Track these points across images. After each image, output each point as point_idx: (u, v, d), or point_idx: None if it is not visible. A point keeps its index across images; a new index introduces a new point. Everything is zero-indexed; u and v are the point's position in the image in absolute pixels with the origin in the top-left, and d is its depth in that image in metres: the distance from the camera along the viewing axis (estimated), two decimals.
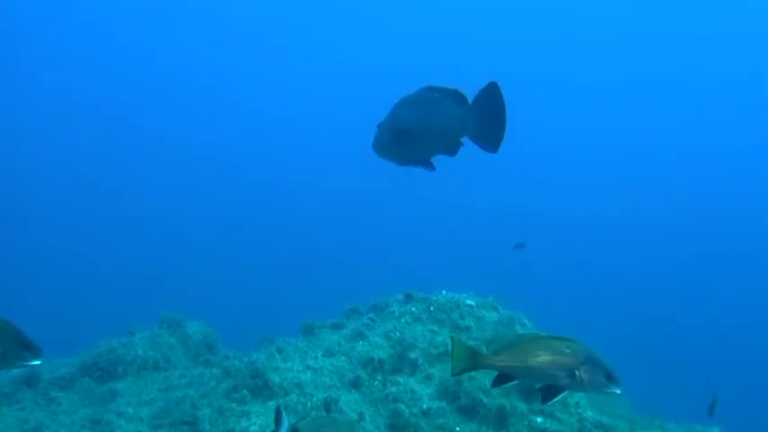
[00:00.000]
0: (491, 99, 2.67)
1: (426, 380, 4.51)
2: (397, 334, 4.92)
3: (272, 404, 4.02)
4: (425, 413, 4.16)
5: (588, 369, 2.44)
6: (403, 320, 5.28)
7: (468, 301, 5.58)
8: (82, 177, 24.60)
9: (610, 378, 2.46)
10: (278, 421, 2.31)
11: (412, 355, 4.65)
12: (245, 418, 3.84)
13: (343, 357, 4.69)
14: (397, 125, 2.80)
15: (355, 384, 4.40)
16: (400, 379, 4.48)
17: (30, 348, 2.06)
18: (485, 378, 4.43)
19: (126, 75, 29.98)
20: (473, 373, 4.53)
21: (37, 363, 2.08)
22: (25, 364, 2.07)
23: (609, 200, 26.31)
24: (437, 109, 2.75)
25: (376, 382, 4.47)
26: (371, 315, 5.44)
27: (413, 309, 5.43)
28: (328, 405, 4.07)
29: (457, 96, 2.76)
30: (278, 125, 30.44)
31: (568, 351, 2.45)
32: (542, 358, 2.44)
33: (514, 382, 2.61)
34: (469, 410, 4.19)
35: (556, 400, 2.52)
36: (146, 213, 23.11)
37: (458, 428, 4.05)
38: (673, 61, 30.42)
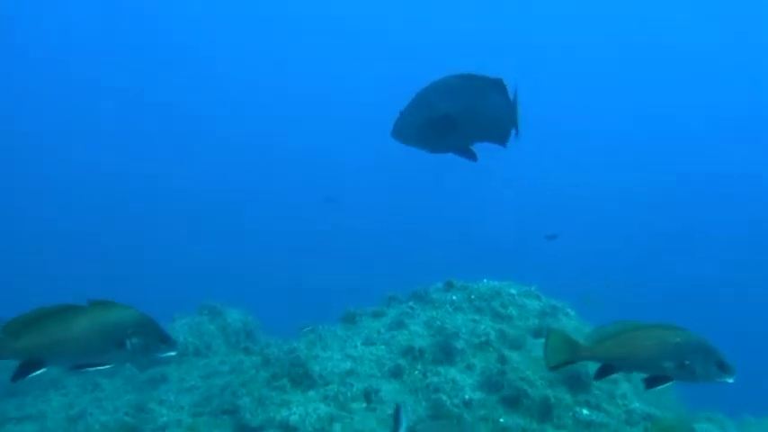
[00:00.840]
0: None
1: (468, 369, 4.43)
2: (438, 323, 4.85)
3: (311, 393, 3.98)
4: (467, 404, 4.08)
5: (699, 358, 2.34)
6: (443, 309, 5.20)
7: (510, 290, 5.48)
8: (130, 172, 24.95)
9: (722, 367, 2.35)
10: (397, 421, 2.24)
11: (453, 345, 4.57)
12: (286, 407, 3.80)
13: (382, 346, 4.63)
14: (435, 112, 2.71)
15: (395, 374, 4.33)
16: (441, 369, 4.40)
17: (167, 341, 2.14)
18: (528, 368, 4.35)
19: (168, 59, 30.28)
20: (515, 364, 4.45)
21: (173, 354, 2.15)
22: (163, 355, 2.14)
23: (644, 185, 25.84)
24: (482, 97, 2.69)
25: (416, 372, 4.40)
26: (411, 303, 5.37)
27: (453, 297, 5.35)
28: (369, 395, 4.02)
29: (499, 85, 2.70)
30: (319, 113, 30.47)
31: (678, 340, 2.35)
32: (650, 347, 2.35)
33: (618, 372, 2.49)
34: (513, 401, 4.09)
35: (660, 388, 2.42)
36: (189, 203, 23.35)
37: (501, 420, 3.95)
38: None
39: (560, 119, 26.58)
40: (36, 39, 28.59)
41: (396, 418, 2.29)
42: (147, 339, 2.10)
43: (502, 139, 2.77)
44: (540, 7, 31.27)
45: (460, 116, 2.69)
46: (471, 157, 2.82)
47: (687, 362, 2.31)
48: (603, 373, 2.50)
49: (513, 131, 2.74)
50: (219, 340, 5.76)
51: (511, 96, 2.71)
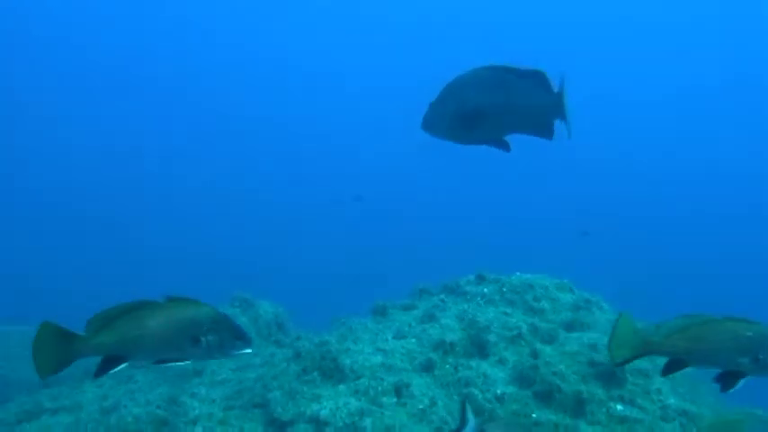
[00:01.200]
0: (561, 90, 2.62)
1: (500, 364, 4.39)
2: (470, 316, 4.81)
3: (342, 387, 3.97)
4: (500, 398, 4.04)
5: None
6: (475, 302, 5.17)
7: (544, 283, 5.42)
8: (156, 166, 25.22)
9: None
10: (463, 419, 2.22)
11: (485, 338, 4.53)
12: (316, 401, 3.79)
13: (413, 340, 4.60)
14: (468, 105, 2.66)
15: (426, 368, 4.31)
16: (473, 363, 4.37)
17: (242, 338, 2.18)
18: (561, 363, 4.29)
19: (185, 61, 30.46)
20: (548, 358, 4.39)
21: (248, 351, 2.18)
22: (238, 353, 2.18)
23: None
24: (515, 89, 2.64)
25: (447, 366, 4.37)
26: (442, 296, 5.35)
27: (485, 290, 5.31)
28: (399, 390, 3.99)
29: (537, 77, 2.64)
30: (350, 102, 30.48)
31: (750, 333, 2.26)
32: (722, 341, 2.27)
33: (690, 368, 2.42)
34: (545, 396, 4.05)
35: (737, 387, 2.34)
36: (219, 195, 23.56)
37: (534, 415, 3.91)
38: None
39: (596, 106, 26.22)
40: (36, 38, 28.91)
41: (462, 415, 2.25)
42: (222, 336, 2.13)
43: (542, 132, 2.72)
44: None
45: (492, 109, 2.64)
46: (505, 147, 2.78)
47: (761, 356, 2.24)
48: (672, 368, 2.42)
49: (555, 125, 2.68)
50: (251, 332, 5.77)
51: (555, 89, 2.64)
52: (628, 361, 2.44)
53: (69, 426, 4.01)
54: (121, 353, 2.11)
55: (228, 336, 2.16)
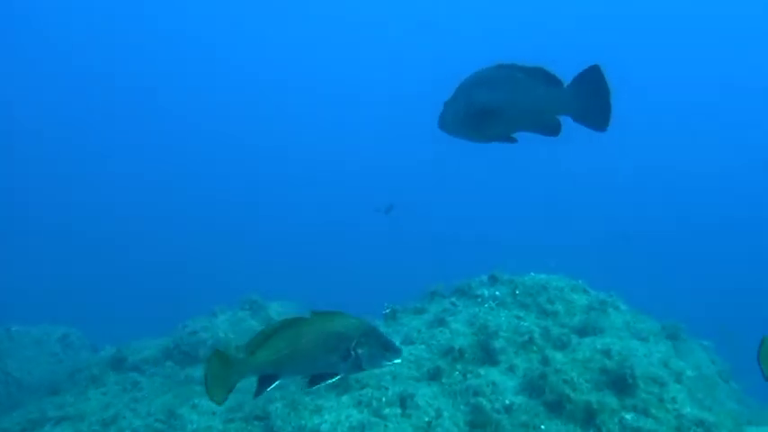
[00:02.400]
0: (595, 80, 2.56)
1: (510, 371, 4.26)
2: (481, 320, 4.68)
3: (345, 398, 3.88)
4: (508, 409, 3.92)
5: None
6: (486, 305, 5.02)
7: (558, 284, 5.27)
8: (169, 172, 25.28)
9: None
10: None
11: (495, 345, 4.41)
12: (317, 414, 3.71)
13: (422, 346, 4.49)
14: (476, 104, 2.65)
15: (434, 375, 4.19)
16: (482, 370, 4.25)
17: (391, 349, 2.18)
18: (572, 371, 4.16)
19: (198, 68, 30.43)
20: (559, 366, 4.26)
21: (398, 362, 2.19)
22: (388, 363, 2.18)
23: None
24: (522, 88, 2.61)
25: (456, 373, 4.25)
26: (453, 299, 5.22)
27: (497, 292, 5.17)
28: (404, 400, 3.89)
29: (545, 75, 2.60)
30: (355, 107, 30.34)
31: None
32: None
33: None
34: (555, 406, 3.91)
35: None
36: (232, 201, 23.57)
37: (543, 427, 3.78)
38: None
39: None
40: (36, 39, 28.99)
41: None
42: (372, 348, 2.14)
43: (548, 129, 2.69)
44: None
45: (499, 109, 2.63)
46: (511, 140, 2.74)
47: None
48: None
49: (564, 121, 2.64)
50: None
51: (565, 84, 2.58)
52: None
53: None
54: (276, 371, 2.18)
55: (378, 348, 2.17)
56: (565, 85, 2.59)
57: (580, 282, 5.40)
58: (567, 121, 2.68)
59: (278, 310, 6.08)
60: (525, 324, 4.71)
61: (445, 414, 3.85)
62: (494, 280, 5.44)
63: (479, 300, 5.15)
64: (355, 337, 2.14)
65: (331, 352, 2.14)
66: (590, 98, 2.57)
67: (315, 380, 2.21)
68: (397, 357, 2.19)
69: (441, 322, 4.81)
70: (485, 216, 22.36)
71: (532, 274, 5.52)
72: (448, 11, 31.98)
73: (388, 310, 5.36)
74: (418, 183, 23.38)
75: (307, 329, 2.16)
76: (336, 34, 33.33)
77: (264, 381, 2.19)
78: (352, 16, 33.20)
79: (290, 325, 2.17)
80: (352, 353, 2.13)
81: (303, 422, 3.64)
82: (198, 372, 4.81)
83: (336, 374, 2.19)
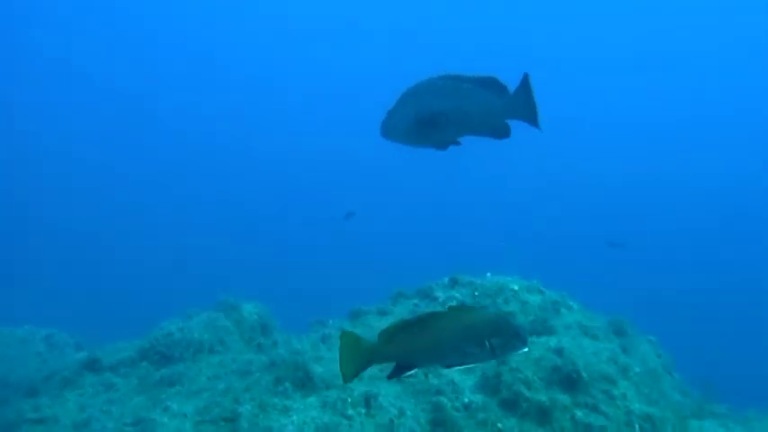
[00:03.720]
0: (527, 87, 2.55)
1: (468, 371, 4.09)
2: None
3: (312, 399, 3.68)
4: (467, 407, 3.75)
5: None
6: (447, 306, 4.86)
7: (513, 286, 5.12)
8: (150, 176, 24.78)
9: None
10: None
11: None
12: (285, 414, 3.50)
13: None
14: (425, 111, 2.60)
15: None
16: (442, 370, 4.07)
17: (520, 337, 2.14)
18: (527, 369, 4.00)
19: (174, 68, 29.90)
20: (514, 364, 4.10)
21: (525, 350, 2.16)
22: (518, 352, 2.17)
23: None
24: (467, 96, 2.58)
25: (420, 373, 4.07)
26: (416, 301, 5.06)
27: (457, 294, 5.03)
28: (368, 400, 3.70)
29: (491, 83, 2.57)
30: (318, 113, 30.07)
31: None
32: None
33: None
34: (511, 404, 3.76)
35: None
36: (207, 204, 23.17)
37: (500, 425, 3.62)
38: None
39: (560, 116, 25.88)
40: (36, 39, 28.30)
41: None
42: (505, 338, 2.12)
43: (496, 133, 2.66)
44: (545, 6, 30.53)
45: (447, 113, 2.59)
46: (455, 143, 2.71)
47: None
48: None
49: (508, 127, 2.61)
50: (235, 336, 5.48)
51: (510, 92, 2.56)
52: None
53: None
54: (412, 360, 2.13)
55: (510, 338, 2.12)
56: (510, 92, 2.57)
57: (534, 282, 5.26)
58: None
59: (251, 310, 5.85)
60: None
61: (408, 413, 3.67)
62: (454, 282, 5.29)
63: (440, 301, 4.99)
64: (490, 328, 2.12)
65: (468, 342, 2.11)
66: (526, 102, 2.57)
67: (450, 366, 2.16)
68: (525, 346, 2.16)
69: None
70: (447, 217, 22.30)
71: (489, 275, 5.38)
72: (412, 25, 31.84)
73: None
74: (388, 185, 23.24)
75: (444, 322, 2.14)
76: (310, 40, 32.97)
77: (400, 368, 2.14)
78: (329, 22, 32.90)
79: (426, 318, 2.14)
80: (487, 343, 2.10)
81: (270, 424, 3.43)
82: (173, 371, 4.58)
83: (472, 363, 2.16)
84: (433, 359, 2.17)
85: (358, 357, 2.13)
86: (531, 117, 2.59)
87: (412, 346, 2.11)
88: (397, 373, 2.16)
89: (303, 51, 32.78)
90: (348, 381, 2.14)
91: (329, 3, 32.09)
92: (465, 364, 2.15)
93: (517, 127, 2.61)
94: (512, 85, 2.57)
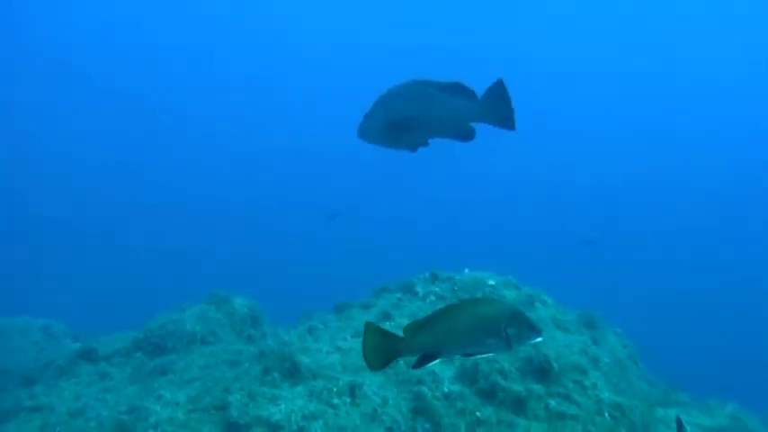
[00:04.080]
0: (500, 93, 2.65)
1: (447, 361, 4.20)
2: (422, 314, 4.60)
3: (299, 389, 3.77)
4: (447, 396, 3.85)
5: None
6: (428, 301, 4.98)
7: (490, 281, 5.23)
8: (149, 175, 24.66)
9: None
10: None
11: None
12: (274, 403, 3.59)
13: None
14: (395, 116, 2.72)
15: None
16: None
17: (534, 328, 2.19)
18: (504, 360, 4.11)
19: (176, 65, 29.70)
20: (490, 355, 4.20)
21: (539, 340, 2.20)
22: (532, 342, 2.21)
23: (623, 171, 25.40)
24: (436, 101, 2.69)
25: (401, 363, 4.17)
26: (399, 295, 5.15)
27: (437, 289, 5.13)
28: (353, 389, 3.79)
29: (458, 89, 2.69)
30: (306, 110, 29.98)
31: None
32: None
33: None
34: (488, 394, 3.87)
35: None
36: (197, 199, 23.08)
37: (478, 413, 3.73)
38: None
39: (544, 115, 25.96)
40: (37, 39, 28.02)
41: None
42: (520, 328, 2.16)
43: (462, 136, 2.77)
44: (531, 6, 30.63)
45: (416, 119, 2.70)
46: (425, 145, 2.81)
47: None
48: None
49: (472, 129, 2.72)
50: (226, 327, 5.55)
51: (479, 96, 2.67)
52: None
53: (37, 429, 3.77)
54: (436, 350, 2.18)
55: (524, 328, 2.17)
56: (479, 97, 2.67)
57: (510, 277, 5.37)
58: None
59: (241, 303, 5.92)
60: None
61: (391, 402, 3.77)
62: (434, 277, 5.39)
63: (421, 295, 5.09)
64: (506, 319, 2.17)
65: (485, 332, 2.16)
66: (499, 106, 2.65)
67: (470, 355, 2.23)
68: (539, 337, 2.21)
69: (387, 316, 4.74)
70: (431, 215, 22.40)
71: (467, 270, 5.48)
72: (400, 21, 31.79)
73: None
74: (387, 185, 23.26)
75: (463, 314, 2.19)
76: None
77: (425, 358, 2.19)
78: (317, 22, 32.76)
79: (445, 311, 2.19)
80: (504, 333, 2.15)
81: (259, 412, 3.52)
82: (167, 360, 4.66)
83: (489, 352, 2.22)
84: (453, 349, 2.22)
85: (384, 350, 2.18)
86: (502, 120, 2.69)
87: (435, 338, 2.17)
88: (421, 363, 2.22)
89: (303, 51, 32.60)
90: (374, 369, 2.22)
91: (329, 3, 31.98)
92: (483, 354, 2.22)
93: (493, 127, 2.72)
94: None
